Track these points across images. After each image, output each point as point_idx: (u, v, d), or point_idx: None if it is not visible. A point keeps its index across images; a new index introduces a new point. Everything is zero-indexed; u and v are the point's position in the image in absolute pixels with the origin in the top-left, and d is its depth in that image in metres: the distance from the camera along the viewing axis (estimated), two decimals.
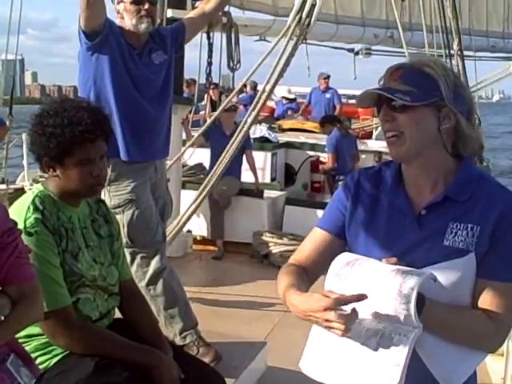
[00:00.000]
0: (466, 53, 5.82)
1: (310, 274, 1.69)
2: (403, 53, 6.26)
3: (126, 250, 3.35)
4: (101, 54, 3.21)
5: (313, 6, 4.49)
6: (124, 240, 3.31)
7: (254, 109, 4.77)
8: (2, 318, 1.58)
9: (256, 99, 4.89)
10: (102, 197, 3.31)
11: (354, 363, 1.45)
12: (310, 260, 1.70)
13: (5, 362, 1.64)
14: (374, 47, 8.57)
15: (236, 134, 4.78)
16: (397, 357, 1.39)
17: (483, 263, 1.53)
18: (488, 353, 1.64)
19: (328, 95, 11.95)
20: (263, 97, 4.67)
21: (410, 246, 1.57)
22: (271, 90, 4.70)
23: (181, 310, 3.36)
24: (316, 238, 1.72)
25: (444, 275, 1.52)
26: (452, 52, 5.41)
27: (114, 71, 3.24)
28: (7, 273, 1.66)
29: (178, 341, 3.29)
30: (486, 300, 1.54)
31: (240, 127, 4.79)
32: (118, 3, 3.29)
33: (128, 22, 3.27)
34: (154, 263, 3.36)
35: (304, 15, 4.53)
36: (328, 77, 12.00)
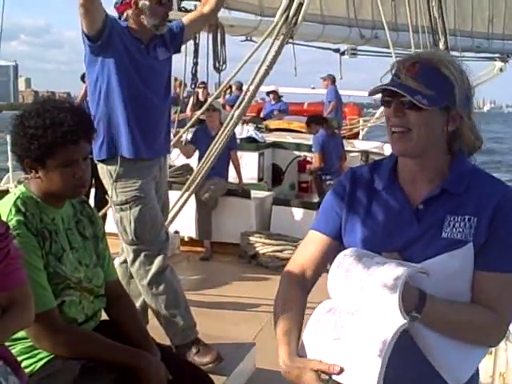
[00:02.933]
0: (451, 53, 5.83)
1: (309, 278, 1.72)
2: (389, 53, 6.27)
3: (129, 247, 3.36)
4: (105, 55, 3.22)
5: (300, 4, 4.48)
6: (130, 237, 3.30)
7: (238, 108, 4.74)
8: None
9: (240, 98, 4.87)
10: (109, 193, 3.33)
11: (343, 355, 1.45)
12: (310, 264, 1.71)
13: None
14: (359, 47, 8.59)
15: (220, 133, 4.76)
16: (379, 348, 1.40)
17: (481, 255, 1.54)
18: (490, 347, 1.66)
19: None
20: (248, 96, 4.63)
21: (409, 241, 1.58)
22: (256, 89, 4.66)
23: (181, 310, 3.35)
24: (313, 241, 1.73)
25: (443, 267, 1.53)
26: None
27: (121, 66, 3.24)
28: (4, 278, 1.64)
29: (178, 340, 3.27)
30: (487, 292, 1.55)
31: (224, 126, 4.77)
32: None
33: (149, 20, 3.27)
34: (158, 262, 3.33)
35: (291, 14, 4.51)
36: (327, 77, 11.98)
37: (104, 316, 2.24)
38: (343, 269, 1.54)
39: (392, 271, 1.45)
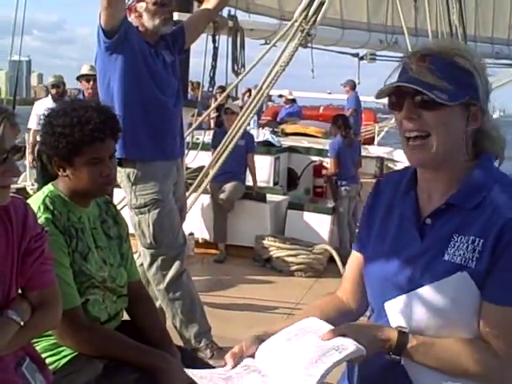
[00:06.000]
0: None
1: (351, 300, 1.63)
2: None
3: (146, 251, 3.36)
4: (120, 54, 3.21)
5: (321, 4, 4.46)
6: (148, 241, 3.30)
7: (251, 105, 4.74)
8: (22, 323, 1.58)
9: (253, 95, 4.86)
10: (127, 196, 3.33)
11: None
12: (350, 285, 1.64)
13: (20, 366, 1.64)
14: (378, 52, 8.56)
15: (232, 129, 4.76)
16: None
17: (486, 284, 1.34)
18: None
19: None
20: (265, 88, 4.61)
21: (411, 259, 1.42)
22: (269, 88, 4.64)
23: (197, 314, 3.36)
24: (351, 261, 1.66)
25: (437, 296, 1.37)
26: None
27: (136, 69, 3.25)
28: (30, 278, 1.67)
29: (193, 344, 3.28)
30: (490, 327, 1.36)
31: (236, 123, 4.76)
32: (138, 1, 3.29)
33: (149, 22, 3.28)
34: (175, 267, 3.34)
35: (311, 12, 4.49)
36: (347, 83, 11.93)
37: (125, 316, 2.25)
38: (283, 338, 1.41)
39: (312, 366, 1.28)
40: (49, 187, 2.08)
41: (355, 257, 1.64)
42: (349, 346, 1.30)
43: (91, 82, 6.14)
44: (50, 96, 7.06)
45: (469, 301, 1.36)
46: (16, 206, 1.67)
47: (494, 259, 1.33)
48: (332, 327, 1.39)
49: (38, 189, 2.15)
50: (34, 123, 6.97)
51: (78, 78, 6.48)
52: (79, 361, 1.95)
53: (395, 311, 1.45)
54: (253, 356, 1.44)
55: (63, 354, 1.98)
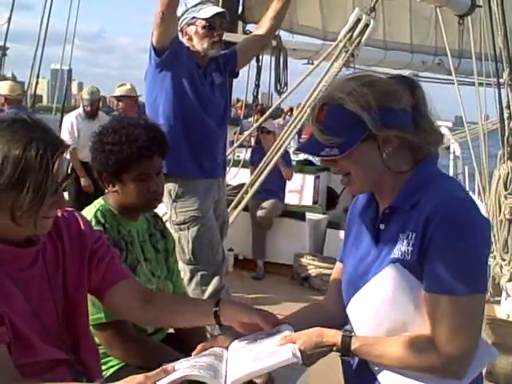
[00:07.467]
0: None
1: (334, 307, 1.76)
2: (452, 80, 6.23)
3: (186, 267, 3.40)
4: (169, 72, 3.28)
5: (366, 25, 4.47)
6: (187, 257, 3.36)
7: (292, 124, 4.77)
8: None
9: (294, 116, 4.89)
10: (168, 212, 3.38)
11: None
12: (333, 293, 1.78)
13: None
14: (421, 74, 8.51)
15: (272, 149, 4.79)
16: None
17: (424, 274, 1.45)
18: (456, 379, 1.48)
19: None
20: (306, 108, 4.63)
21: (368, 263, 1.57)
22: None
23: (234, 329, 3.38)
24: (334, 271, 1.83)
25: (380, 289, 1.51)
26: (501, 81, 5.37)
27: (182, 89, 3.31)
28: (107, 273, 1.70)
29: None
30: (429, 316, 1.45)
31: (276, 143, 4.79)
32: (189, 25, 3.37)
33: (198, 45, 3.36)
34: (214, 282, 3.39)
35: (356, 34, 4.52)
36: None
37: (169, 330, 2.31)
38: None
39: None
40: (100, 201, 2.16)
41: (338, 266, 1.80)
42: (287, 354, 1.47)
43: (120, 103, 6.72)
44: (82, 108, 6.94)
45: (408, 292, 1.47)
46: (68, 221, 1.66)
47: (424, 248, 1.44)
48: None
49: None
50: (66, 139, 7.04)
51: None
52: (125, 372, 1.96)
53: (353, 313, 1.62)
54: (226, 348, 1.64)
55: (110, 364, 2.04)
